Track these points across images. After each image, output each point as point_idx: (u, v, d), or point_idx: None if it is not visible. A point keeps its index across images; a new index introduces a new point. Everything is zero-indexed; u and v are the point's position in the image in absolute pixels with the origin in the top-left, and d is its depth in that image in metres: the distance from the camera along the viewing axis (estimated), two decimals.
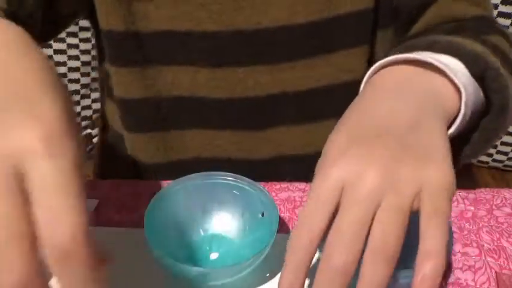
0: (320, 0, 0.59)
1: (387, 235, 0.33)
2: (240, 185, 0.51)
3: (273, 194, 0.58)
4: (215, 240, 0.51)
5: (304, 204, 0.36)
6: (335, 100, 0.63)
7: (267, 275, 0.48)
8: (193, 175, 0.51)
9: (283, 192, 0.58)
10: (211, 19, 0.58)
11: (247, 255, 0.45)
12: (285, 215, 0.55)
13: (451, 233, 0.47)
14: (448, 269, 0.47)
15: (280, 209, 0.56)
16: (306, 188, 0.59)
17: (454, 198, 0.58)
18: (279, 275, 0.48)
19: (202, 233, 0.51)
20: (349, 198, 0.34)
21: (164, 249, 0.45)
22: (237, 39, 0.60)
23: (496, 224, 0.55)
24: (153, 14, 0.58)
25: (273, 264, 0.48)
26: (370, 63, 0.63)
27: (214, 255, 0.50)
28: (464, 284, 0.48)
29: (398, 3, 0.61)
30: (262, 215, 0.49)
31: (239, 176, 0.51)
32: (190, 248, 0.50)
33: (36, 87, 0.31)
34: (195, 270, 0.44)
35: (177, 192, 0.50)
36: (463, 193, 0.59)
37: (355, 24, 0.60)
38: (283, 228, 0.53)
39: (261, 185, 0.50)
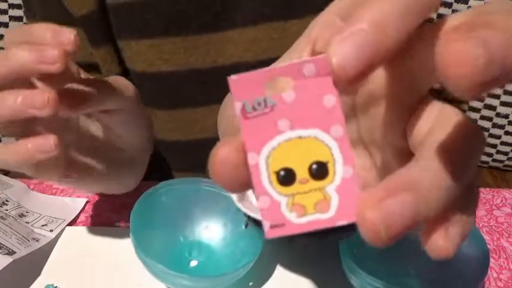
0: (269, 38, 0.56)
1: None
2: (225, 193, 0.50)
3: None
4: (195, 248, 0.50)
5: None
6: None
7: (250, 283, 0.48)
8: (180, 179, 0.51)
9: None
10: (162, 60, 0.56)
11: (228, 266, 0.44)
12: None
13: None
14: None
15: None
16: None
17: None
18: (264, 286, 0.48)
19: (182, 240, 0.50)
20: None
21: (149, 249, 0.44)
22: (192, 79, 0.58)
23: (496, 224, 0.55)
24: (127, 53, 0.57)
25: (256, 273, 0.48)
26: None
27: (193, 263, 0.49)
28: None
29: None
30: (246, 226, 0.49)
31: None
32: (171, 252, 0.49)
33: None
34: (176, 275, 0.43)
35: (163, 194, 0.50)
36: None
37: None
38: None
39: None
